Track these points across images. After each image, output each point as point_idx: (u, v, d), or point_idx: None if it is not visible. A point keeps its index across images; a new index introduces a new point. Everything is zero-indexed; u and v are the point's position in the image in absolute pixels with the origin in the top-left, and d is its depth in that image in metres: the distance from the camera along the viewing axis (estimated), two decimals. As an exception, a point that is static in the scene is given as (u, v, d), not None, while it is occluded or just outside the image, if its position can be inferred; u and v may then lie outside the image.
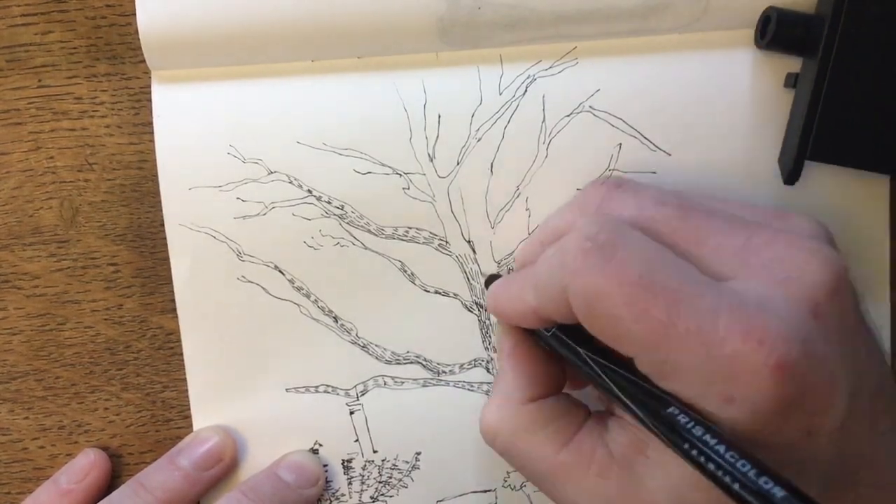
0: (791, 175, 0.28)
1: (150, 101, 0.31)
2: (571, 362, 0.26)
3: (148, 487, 0.31)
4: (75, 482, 0.32)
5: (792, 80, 0.29)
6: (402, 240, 0.31)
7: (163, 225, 0.32)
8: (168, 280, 0.32)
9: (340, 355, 0.32)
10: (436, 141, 0.31)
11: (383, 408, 0.32)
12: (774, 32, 0.28)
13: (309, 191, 0.31)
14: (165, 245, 0.32)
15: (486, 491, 0.33)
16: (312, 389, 0.32)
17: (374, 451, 0.33)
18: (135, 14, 0.29)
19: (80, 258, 0.33)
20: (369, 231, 0.31)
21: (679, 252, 0.24)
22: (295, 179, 0.31)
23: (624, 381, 0.24)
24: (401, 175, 0.31)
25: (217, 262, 0.31)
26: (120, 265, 0.33)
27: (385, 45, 0.30)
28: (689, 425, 0.21)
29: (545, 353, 0.28)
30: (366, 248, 0.31)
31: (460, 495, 0.33)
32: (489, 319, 0.32)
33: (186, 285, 0.32)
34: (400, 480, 0.33)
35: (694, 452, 0.21)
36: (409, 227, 0.31)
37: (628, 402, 0.23)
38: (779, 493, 0.19)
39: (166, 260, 0.32)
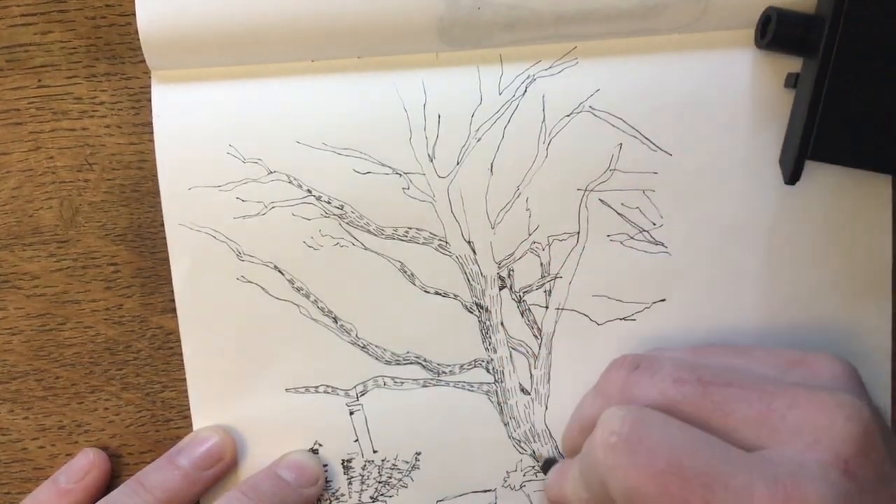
0: (792, 175, 0.29)
1: (150, 101, 0.31)
2: None
3: (147, 487, 0.31)
4: (74, 482, 0.32)
5: (792, 81, 0.29)
6: (402, 240, 0.32)
7: (163, 225, 0.32)
8: (168, 280, 0.33)
9: (340, 355, 0.32)
10: (436, 141, 0.31)
11: (383, 408, 0.33)
12: (775, 32, 0.28)
13: (309, 191, 0.31)
14: (165, 245, 0.32)
15: (485, 491, 0.33)
16: (312, 389, 0.32)
17: (374, 451, 0.33)
18: (135, 14, 0.29)
19: (79, 258, 0.33)
20: (369, 231, 0.32)
21: (707, 428, 0.25)
22: (295, 179, 0.31)
23: None
24: (401, 175, 0.31)
25: (217, 262, 0.32)
26: (120, 265, 0.33)
27: (385, 45, 0.30)
28: None
29: None
30: (366, 248, 0.32)
31: (460, 495, 0.33)
32: (489, 320, 0.32)
33: (186, 285, 0.32)
34: (400, 480, 0.33)
35: None
36: (409, 228, 0.32)
37: None
38: None
39: (166, 260, 0.33)
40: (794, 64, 0.30)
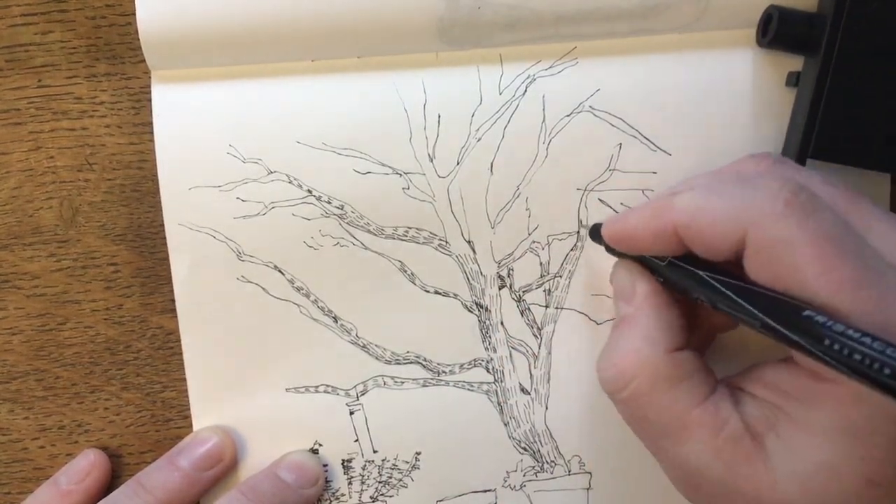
0: None
1: (150, 101, 0.31)
2: (690, 288, 0.26)
3: (147, 487, 0.31)
4: (75, 483, 0.33)
5: (794, 79, 0.30)
6: (402, 240, 0.32)
7: (163, 225, 0.32)
8: (168, 280, 0.33)
9: (340, 355, 0.33)
10: (436, 141, 0.31)
11: (383, 408, 0.33)
12: (776, 31, 0.29)
13: (309, 191, 0.32)
14: (165, 245, 0.33)
15: (486, 491, 0.33)
16: (312, 389, 0.33)
17: (374, 451, 0.33)
18: (135, 14, 0.30)
19: (79, 258, 0.33)
20: (369, 231, 0.32)
21: None
22: (295, 179, 0.32)
23: (753, 295, 0.24)
24: (401, 175, 0.32)
25: (217, 262, 0.32)
26: (120, 265, 0.33)
27: (385, 45, 0.30)
28: (829, 323, 0.21)
29: (679, 301, 0.28)
30: (366, 248, 0.32)
31: (460, 495, 0.33)
32: (489, 320, 0.32)
33: (186, 285, 0.32)
34: (400, 480, 0.33)
35: (836, 347, 0.21)
36: (409, 227, 0.32)
37: (760, 313, 0.24)
38: None
39: (166, 260, 0.33)
40: (795, 62, 0.30)
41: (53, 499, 0.32)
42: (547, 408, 0.33)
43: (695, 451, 0.26)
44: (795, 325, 0.22)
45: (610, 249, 0.29)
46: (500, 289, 0.32)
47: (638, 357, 0.27)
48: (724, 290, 0.25)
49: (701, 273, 0.26)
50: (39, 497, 0.33)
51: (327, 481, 0.33)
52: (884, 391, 0.20)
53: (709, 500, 0.26)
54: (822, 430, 0.24)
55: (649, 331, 0.27)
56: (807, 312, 0.22)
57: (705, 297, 0.26)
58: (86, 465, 0.33)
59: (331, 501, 0.34)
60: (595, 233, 0.30)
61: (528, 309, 0.32)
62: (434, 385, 0.33)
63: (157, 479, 0.32)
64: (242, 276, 0.32)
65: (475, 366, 0.33)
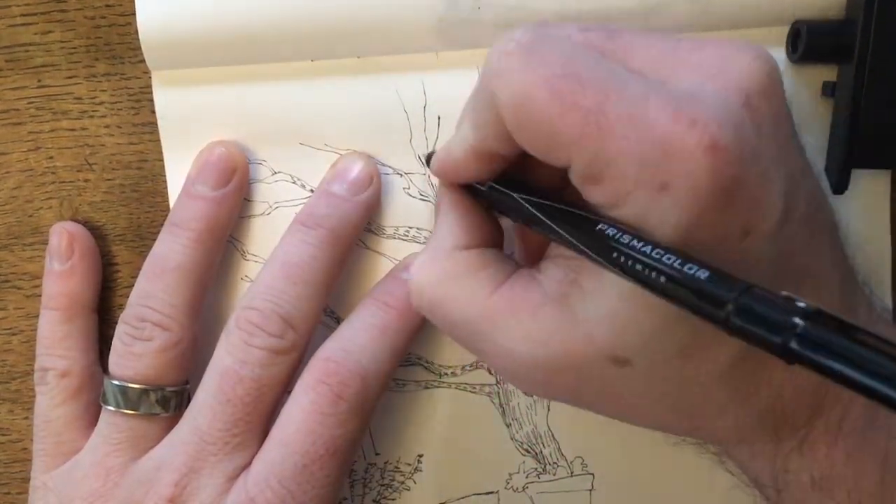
0: (838, 184, 0.30)
1: (150, 100, 0.33)
2: (509, 210, 0.27)
3: (180, 224, 0.31)
4: (68, 260, 0.33)
5: (829, 89, 0.30)
6: (403, 239, 0.33)
7: (162, 225, 0.34)
8: (168, 280, 0.35)
9: None
10: (436, 141, 0.32)
11: (385, 410, 0.34)
12: (806, 45, 0.29)
13: (312, 191, 0.33)
14: (165, 245, 0.34)
15: (488, 493, 0.35)
16: None
17: (376, 454, 0.35)
18: (134, 14, 0.31)
19: (79, 258, 0.35)
20: (370, 231, 0.33)
21: None
22: (298, 180, 0.33)
23: (556, 212, 0.25)
24: (401, 175, 0.33)
25: (222, 262, 0.33)
26: (119, 265, 0.35)
27: (385, 46, 0.32)
28: (618, 235, 0.22)
29: (481, 208, 0.29)
30: (367, 247, 0.33)
31: (463, 497, 0.34)
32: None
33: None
34: (402, 483, 0.35)
35: (622, 259, 0.22)
36: (410, 227, 0.33)
37: (556, 227, 0.24)
38: (703, 274, 0.20)
39: (166, 260, 0.35)
40: (826, 72, 0.31)
41: (58, 284, 0.33)
42: (549, 409, 0.34)
43: (503, 338, 0.25)
44: (590, 237, 0.23)
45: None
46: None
47: (428, 262, 0.27)
48: (531, 210, 0.25)
49: (513, 194, 0.26)
50: (47, 289, 0.33)
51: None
52: (663, 295, 0.21)
53: (543, 386, 0.26)
54: None
55: (439, 236, 0.28)
56: (598, 227, 0.23)
57: (521, 219, 0.26)
58: (63, 240, 0.33)
59: None
60: (429, 161, 0.32)
61: (530, 309, 0.34)
62: (436, 387, 0.34)
63: (185, 214, 0.31)
64: (246, 276, 0.34)
65: (477, 367, 0.34)
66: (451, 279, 0.27)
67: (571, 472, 0.34)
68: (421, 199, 0.33)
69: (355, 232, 0.32)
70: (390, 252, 0.33)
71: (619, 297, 0.23)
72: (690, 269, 0.20)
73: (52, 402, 0.32)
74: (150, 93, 0.33)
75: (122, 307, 0.35)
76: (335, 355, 0.30)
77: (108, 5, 0.33)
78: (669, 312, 0.23)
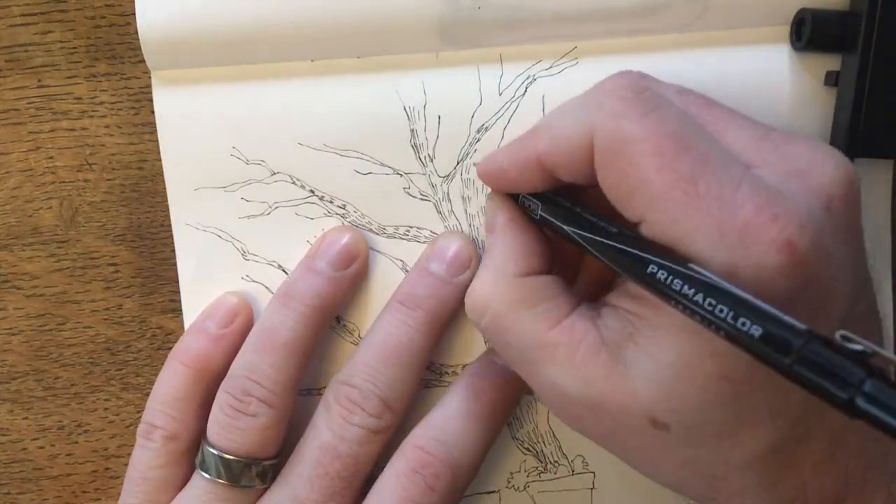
0: None
1: (150, 101, 0.33)
2: (561, 233, 0.28)
3: (295, 297, 0.32)
4: (224, 327, 0.33)
5: (833, 79, 0.31)
6: (404, 239, 0.34)
7: (162, 225, 0.34)
8: (168, 280, 0.35)
9: (343, 356, 0.34)
10: (436, 141, 0.33)
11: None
12: (810, 34, 0.30)
13: (311, 191, 0.33)
14: (165, 245, 0.35)
15: (489, 492, 0.35)
16: (315, 391, 0.34)
17: (377, 453, 0.35)
18: (134, 14, 0.31)
19: (79, 258, 0.35)
20: (371, 230, 0.34)
21: None
22: (297, 180, 0.33)
23: (610, 249, 0.25)
24: (401, 175, 0.33)
25: (222, 262, 0.34)
26: (119, 265, 0.35)
27: (385, 45, 0.32)
28: (668, 280, 0.23)
29: (538, 229, 0.29)
30: (367, 247, 0.34)
31: (464, 497, 0.34)
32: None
33: (192, 285, 0.34)
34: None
35: (676, 304, 0.22)
36: (410, 227, 0.34)
37: (610, 264, 0.25)
38: (756, 332, 0.21)
39: (166, 260, 0.35)
40: (829, 62, 0.31)
41: (206, 346, 0.32)
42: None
43: (555, 372, 0.27)
44: (640, 276, 0.24)
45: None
46: (501, 288, 0.34)
47: (492, 285, 0.28)
48: (589, 235, 0.26)
49: (550, 219, 0.27)
50: (189, 346, 0.32)
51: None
52: (725, 339, 0.22)
53: (578, 421, 0.28)
54: (675, 329, 0.25)
55: (502, 257, 0.29)
56: (650, 269, 0.23)
57: (574, 243, 0.27)
58: (230, 307, 0.33)
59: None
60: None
61: (530, 308, 0.34)
62: (437, 386, 0.34)
63: (301, 287, 0.32)
64: (247, 276, 0.34)
65: (477, 366, 0.34)
66: (514, 307, 0.28)
67: (572, 471, 0.35)
68: (421, 199, 0.33)
69: (452, 314, 0.33)
70: (390, 252, 0.34)
71: (671, 364, 0.25)
72: (743, 324, 0.21)
73: (153, 462, 0.32)
74: (150, 93, 0.33)
75: (121, 307, 0.36)
76: (429, 445, 0.31)
77: (108, 5, 0.33)
78: (715, 395, 0.24)
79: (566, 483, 0.35)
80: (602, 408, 0.26)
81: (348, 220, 0.34)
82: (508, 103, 0.32)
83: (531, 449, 0.35)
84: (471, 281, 0.32)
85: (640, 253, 0.24)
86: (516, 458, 0.35)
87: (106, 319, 0.35)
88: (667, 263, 0.23)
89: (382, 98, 0.33)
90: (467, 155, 0.33)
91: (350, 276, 0.33)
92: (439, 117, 0.33)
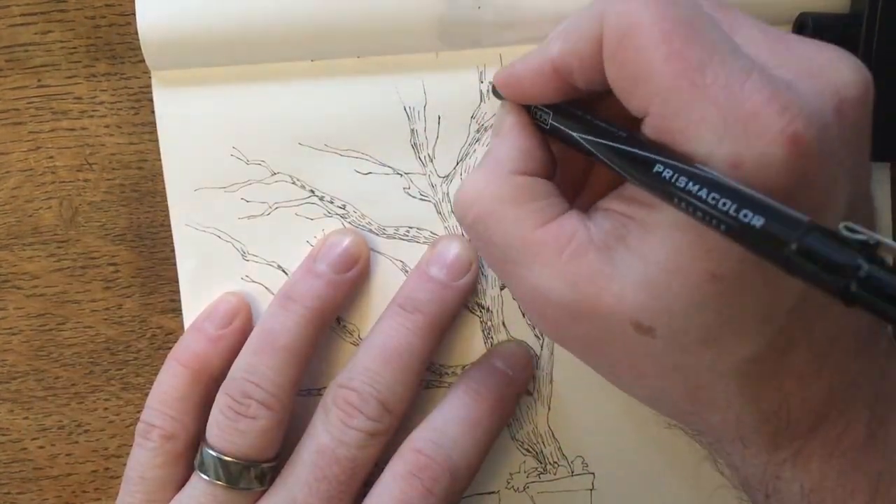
0: None
1: (150, 101, 0.33)
2: (568, 140, 0.27)
3: (295, 298, 0.32)
4: (223, 327, 0.33)
5: None
6: (404, 239, 0.34)
7: (162, 225, 0.34)
8: (168, 280, 0.35)
9: (343, 357, 0.34)
10: (436, 141, 0.33)
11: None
12: (812, 37, 0.30)
13: (311, 191, 0.34)
14: (165, 245, 0.35)
15: (489, 493, 0.35)
16: (315, 392, 0.35)
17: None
18: (134, 14, 0.31)
19: (79, 258, 0.35)
20: (371, 231, 0.34)
21: None
22: (297, 180, 0.34)
23: (615, 152, 0.25)
24: (401, 175, 0.33)
25: (222, 262, 0.34)
26: (119, 265, 0.35)
27: (385, 45, 0.32)
28: (674, 178, 0.23)
29: (542, 135, 0.29)
30: (368, 247, 0.34)
31: (464, 497, 0.34)
32: (491, 321, 0.34)
33: (192, 285, 0.34)
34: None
35: (680, 203, 0.22)
36: (411, 227, 0.34)
37: (615, 167, 0.25)
38: (758, 222, 0.21)
39: (166, 260, 0.35)
40: None
41: (204, 346, 0.32)
42: (549, 409, 0.34)
43: (538, 273, 0.26)
44: (646, 178, 0.24)
45: (497, 94, 0.31)
46: (501, 289, 0.34)
47: (483, 180, 0.28)
48: (574, 134, 0.26)
49: (585, 116, 0.27)
50: (189, 346, 0.32)
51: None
52: (725, 236, 0.22)
53: (558, 328, 0.27)
54: (666, 227, 0.24)
55: (499, 156, 0.28)
56: (656, 168, 0.23)
57: (572, 143, 0.27)
58: (229, 309, 0.33)
59: None
60: (494, 90, 0.32)
61: (530, 309, 0.34)
62: (436, 387, 0.34)
63: (302, 289, 0.32)
64: (247, 276, 0.34)
65: (477, 366, 0.35)
66: (503, 202, 0.27)
67: (572, 472, 0.35)
68: (421, 199, 0.34)
69: (452, 318, 0.33)
70: (390, 252, 0.34)
71: (660, 266, 0.24)
72: (745, 215, 0.21)
73: (151, 462, 0.32)
74: (150, 93, 0.33)
75: (121, 307, 0.36)
76: (427, 448, 0.31)
77: (108, 5, 0.33)
78: (704, 296, 0.24)
79: (566, 484, 0.35)
80: (585, 312, 0.25)
81: (348, 220, 0.34)
82: (508, 103, 0.33)
83: (531, 450, 0.35)
84: (472, 285, 0.32)
85: (646, 153, 0.24)
86: (516, 458, 0.35)
87: (106, 319, 0.36)
88: (672, 162, 0.23)
89: (382, 98, 0.33)
90: (467, 155, 0.33)
91: (351, 279, 0.33)
92: (439, 117, 0.33)
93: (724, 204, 0.21)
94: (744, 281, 0.24)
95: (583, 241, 0.26)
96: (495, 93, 0.30)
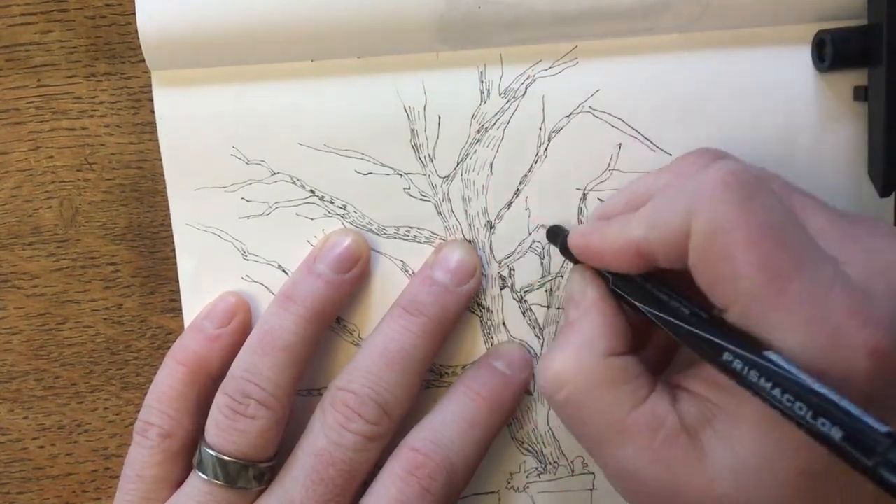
0: (886, 187, 0.31)
1: (149, 100, 0.33)
2: (633, 308, 0.28)
3: (296, 299, 0.32)
4: (221, 326, 0.33)
5: (862, 94, 0.31)
6: (404, 239, 0.34)
7: (162, 224, 0.34)
8: (168, 280, 0.35)
9: (343, 356, 0.34)
10: (436, 141, 0.33)
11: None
12: (833, 54, 0.30)
13: (311, 191, 0.34)
14: (165, 245, 0.35)
15: (489, 493, 0.35)
16: (315, 392, 0.35)
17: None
18: (134, 14, 0.31)
19: (79, 258, 0.35)
20: (371, 231, 0.34)
21: None
22: (298, 180, 0.34)
23: (684, 324, 0.26)
24: (402, 175, 0.33)
25: (223, 262, 0.34)
26: (119, 265, 0.35)
27: (385, 45, 0.32)
28: (745, 371, 0.23)
29: (623, 307, 0.29)
30: (369, 250, 0.34)
31: (463, 497, 0.35)
32: (491, 320, 0.34)
33: (192, 285, 0.34)
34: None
35: (758, 394, 0.23)
36: (411, 227, 0.34)
37: (692, 347, 0.25)
38: (837, 435, 0.21)
39: (166, 260, 0.35)
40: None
41: (203, 344, 0.32)
42: (549, 408, 0.34)
43: (632, 455, 0.27)
44: (715, 361, 0.24)
45: (565, 252, 0.31)
46: (501, 289, 0.34)
47: (576, 360, 0.28)
48: (638, 304, 0.27)
49: (667, 295, 0.27)
50: (188, 346, 0.32)
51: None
52: (806, 434, 0.22)
53: (644, 502, 0.27)
54: (755, 420, 0.25)
55: (591, 335, 0.28)
56: (725, 357, 0.24)
57: (635, 309, 0.28)
58: (228, 307, 0.33)
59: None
60: (552, 235, 0.33)
61: (530, 309, 0.34)
62: (437, 387, 0.34)
63: (302, 289, 0.32)
64: (248, 276, 0.34)
65: (477, 366, 0.35)
66: (598, 386, 0.28)
67: (572, 472, 0.35)
68: (421, 199, 0.34)
69: (455, 323, 0.33)
70: (390, 252, 0.34)
71: (750, 457, 0.25)
72: (823, 424, 0.21)
73: (149, 460, 0.32)
74: (150, 92, 0.33)
75: (121, 307, 0.36)
76: (424, 447, 0.31)
77: (108, 5, 0.34)
78: (793, 491, 0.24)
79: (566, 483, 0.35)
80: (676, 495, 0.26)
81: (348, 220, 0.34)
82: (508, 103, 0.33)
83: (531, 449, 0.35)
84: (475, 290, 0.32)
85: (715, 340, 0.24)
86: (516, 458, 0.35)
87: (106, 319, 0.36)
88: (743, 353, 0.24)
89: (383, 98, 0.33)
90: (467, 155, 0.33)
91: (351, 280, 0.33)
92: (439, 117, 0.33)
93: (801, 409, 0.22)
94: (833, 476, 0.24)
95: (674, 426, 0.26)
96: (564, 251, 0.31)
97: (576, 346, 0.28)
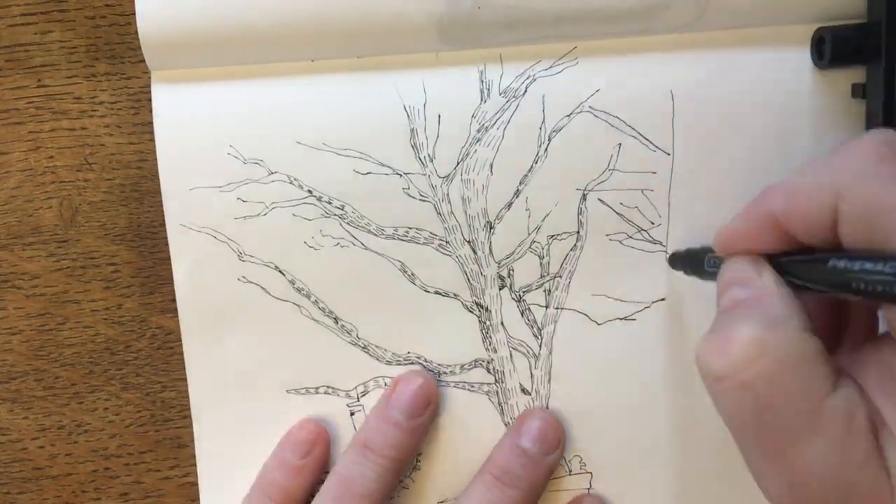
0: None
1: (149, 100, 0.33)
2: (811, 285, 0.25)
3: (375, 449, 0.33)
4: (302, 457, 0.34)
5: (860, 91, 0.31)
6: (403, 240, 0.34)
7: (162, 225, 0.34)
8: (168, 280, 0.35)
9: (341, 356, 0.34)
10: (436, 141, 0.33)
11: (384, 409, 0.35)
12: (832, 51, 0.30)
13: (309, 191, 0.33)
14: (165, 245, 0.35)
15: None
16: (313, 390, 0.35)
17: (375, 453, 0.35)
18: (134, 14, 0.31)
19: (79, 258, 0.35)
20: (369, 231, 0.34)
21: None
22: (295, 180, 0.33)
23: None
24: (401, 175, 0.33)
25: (218, 263, 0.34)
26: (119, 265, 0.35)
27: (385, 45, 0.32)
28: None
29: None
30: (366, 248, 0.34)
31: None
32: (489, 320, 0.34)
33: (187, 285, 0.34)
34: (401, 482, 0.35)
35: None
36: (410, 228, 0.34)
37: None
38: None
39: (166, 260, 0.35)
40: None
41: (289, 477, 0.34)
42: (548, 408, 0.34)
43: (821, 452, 0.23)
44: None
45: (700, 273, 0.30)
46: (500, 289, 0.34)
47: (772, 332, 0.24)
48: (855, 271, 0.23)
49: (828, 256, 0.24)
50: (274, 478, 0.34)
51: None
52: None
53: None
54: None
55: (781, 309, 0.24)
56: None
57: (831, 292, 0.25)
58: (308, 437, 0.34)
59: (331, 502, 0.35)
60: (675, 260, 0.33)
61: (529, 309, 0.34)
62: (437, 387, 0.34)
63: (380, 439, 0.33)
64: (243, 277, 0.34)
65: (476, 366, 0.34)
66: (797, 362, 0.23)
67: (570, 471, 0.35)
68: (421, 199, 0.34)
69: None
70: (390, 252, 0.34)
71: None
72: None
73: None
74: (150, 92, 0.33)
75: (121, 307, 0.36)
76: None
77: (108, 5, 0.33)
78: None
79: (564, 483, 0.35)
80: (851, 498, 0.23)
81: (346, 220, 0.34)
82: (508, 103, 0.33)
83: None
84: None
85: None
86: (516, 458, 0.35)
87: (106, 319, 0.36)
88: None
89: (382, 97, 0.33)
90: (467, 155, 0.33)
91: (424, 422, 0.34)
92: (439, 117, 0.33)
93: None
94: None
95: (865, 420, 0.23)
96: (673, 264, 0.32)
97: (767, 319, 0.24)
